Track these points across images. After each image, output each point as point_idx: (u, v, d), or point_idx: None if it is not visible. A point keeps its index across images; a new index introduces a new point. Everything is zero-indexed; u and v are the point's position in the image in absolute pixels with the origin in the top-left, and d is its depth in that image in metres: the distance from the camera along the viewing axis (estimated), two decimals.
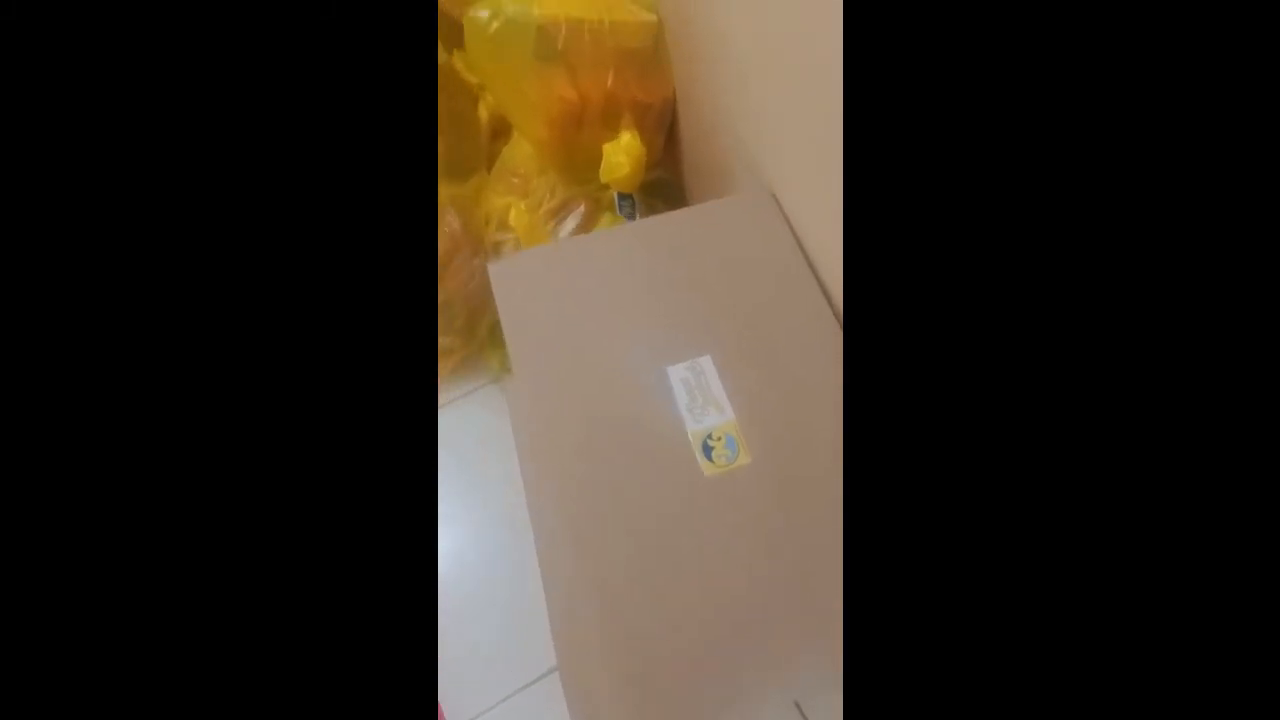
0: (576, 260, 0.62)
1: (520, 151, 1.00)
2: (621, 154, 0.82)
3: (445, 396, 1.10)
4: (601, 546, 0.51)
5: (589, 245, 0.65)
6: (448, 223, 0.93)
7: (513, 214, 0.87)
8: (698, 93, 0.88)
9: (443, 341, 1.00)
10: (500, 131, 1.05)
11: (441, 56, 0.97)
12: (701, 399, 0.54)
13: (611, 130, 0.89)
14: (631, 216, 0.96)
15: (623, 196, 0.95)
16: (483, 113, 1.02)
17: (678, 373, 0.55)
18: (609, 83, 0.84)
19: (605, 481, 0.53)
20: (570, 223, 0.93)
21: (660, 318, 0.58)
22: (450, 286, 0.94)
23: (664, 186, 0.97)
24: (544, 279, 0.61)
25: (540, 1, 0.81)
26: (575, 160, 0.93)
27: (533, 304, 0.60)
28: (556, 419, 0.55)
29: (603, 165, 0.84)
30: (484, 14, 0.85)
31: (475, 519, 1.02)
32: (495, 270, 0.62)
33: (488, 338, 1.03)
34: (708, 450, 0.52)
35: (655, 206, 0.99)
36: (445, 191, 0.99)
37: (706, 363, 0.56)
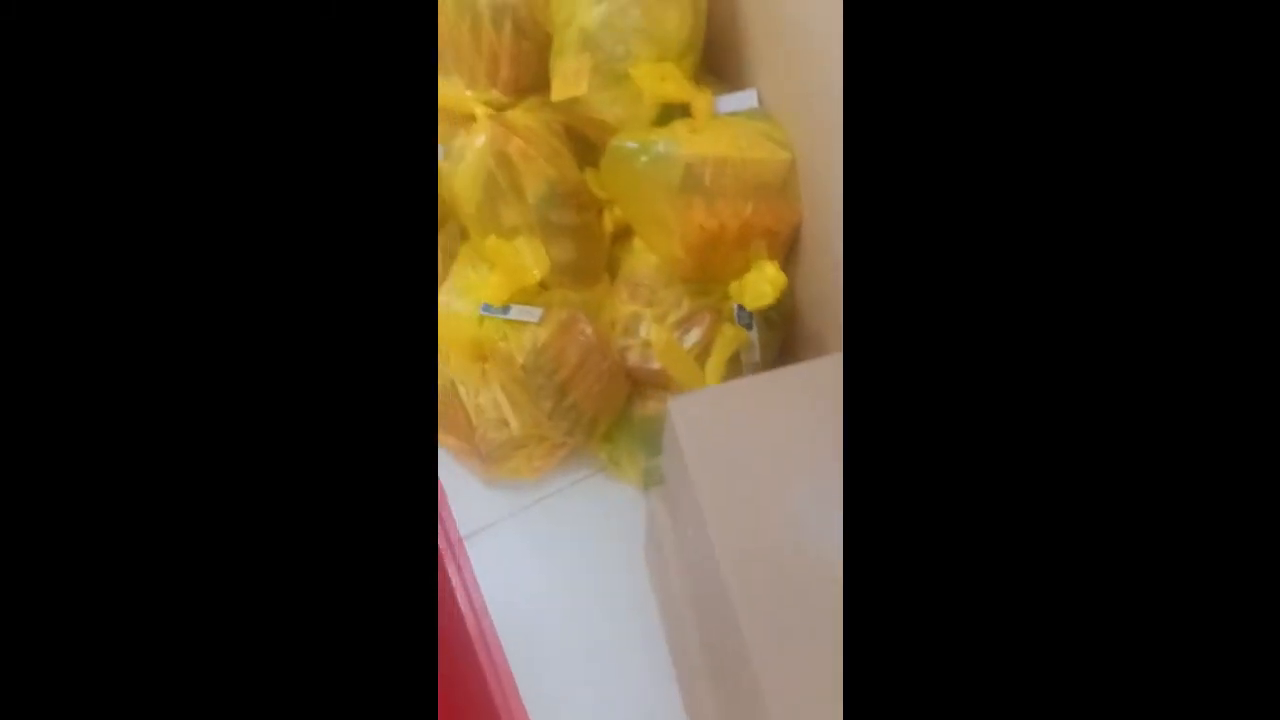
0: (752, 400, 0.67)
1: (645, 262, 1.06)
2: (766, 284, 0.88)
3: (553, 484, 1.15)
4: (791, 697, 0.55)
5: (762, 386, 0.70)
6: (581, 330, 0.99)
7: (654, 332, 0.94)
8: (822, 221, 0.95)
9: (564, 440, 1.05)
10: (619, 235, 1.12)
11: (576, 175, 1.04)
12: None
13: (742, 252, 0.95)
14: (749, 327, 1.02)
15: (742, 308, 1.01)
16: (608, 223, 1.09)
17: None
18: (746, 213, 0.90)
19: (797, 627, 0.57)
20: (695, 333, 0.99)
21: (834, 461, 0.64)
22: (581, 389, 0.99)
23: (780, 299, 1.03)
24: (723, 417, 0.66)
25: (688, 140, 0.89)
26: (703, 275, 0.99)
27: (714, 441, 0.65)
28: (745, 557, 0.60)
29: (749, 292, 0.91)
30: (632, 145, 0.92)
31: (580, 602, 1.06)
32: (675, 406, 0.67)
33: (603, 434, 1.09)
34: None
35: (769, 318, 1.06)
36: (575, 296, 1.06)
37: None
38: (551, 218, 1.01)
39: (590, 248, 1.07)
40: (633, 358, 1.01)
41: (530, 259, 1.00)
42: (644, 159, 0.90)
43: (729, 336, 0.98)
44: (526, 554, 1.10)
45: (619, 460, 1.10)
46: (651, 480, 1.07)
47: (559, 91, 0.95)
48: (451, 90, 1.05)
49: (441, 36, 1.03)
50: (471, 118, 1.03)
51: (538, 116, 1.04)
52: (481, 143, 0.98)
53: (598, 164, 1.08)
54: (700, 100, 0.93)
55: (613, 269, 1.12)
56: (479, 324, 1.02)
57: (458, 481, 1.15)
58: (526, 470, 1.11)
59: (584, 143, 1.07)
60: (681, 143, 0.88)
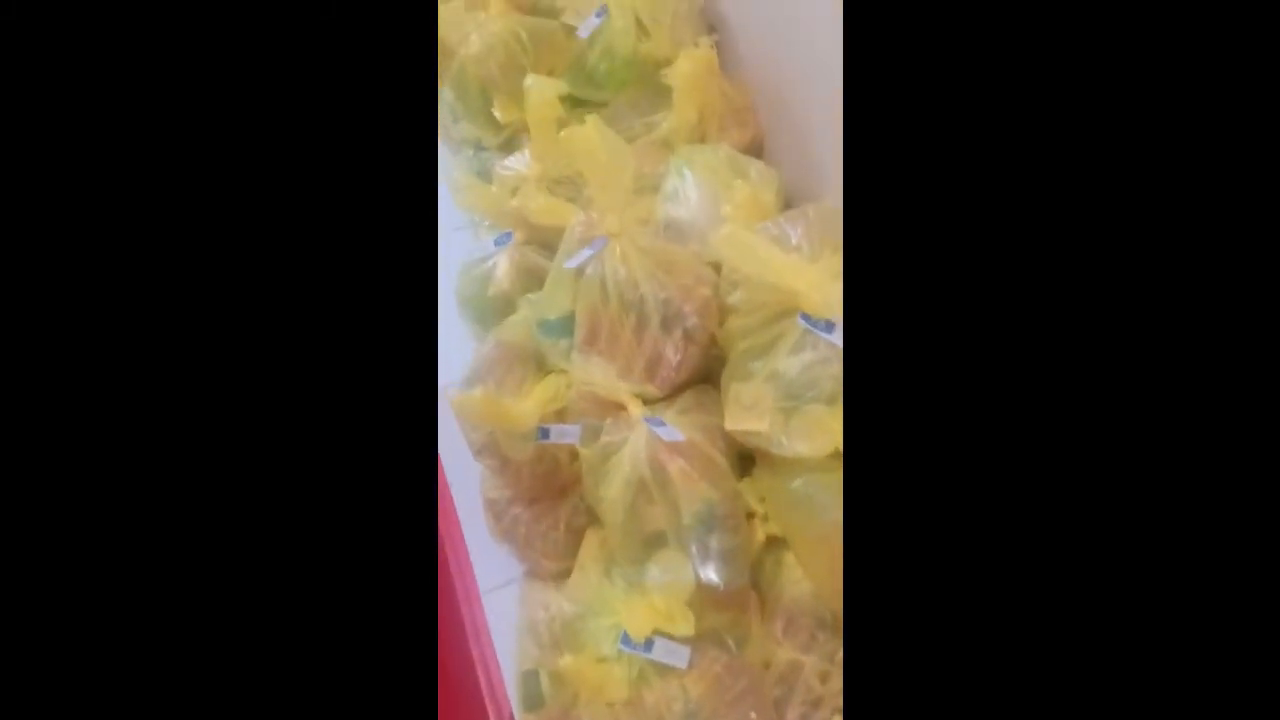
0: None
1: (800, 588, 0.95)
2: None
3: None
4: None
5: None
6: (736, 684, 0.87)
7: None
8: None
9: None
10: (768, 543, 1.01)
11: (733, 488, 0.95)
12: None
13: None
14: None
15: None
16: (759, 533, 0.98)
17: None
18: None
19: None
20: None
21: None
22: None
23: None
24: None
25: None
26: None
27: None
28: None
29: None
30: (818, 486, 0.83)
31: None
32: None
33: None
34: None
35: None
36: (721, 619, 0.94)
37: None
38: (706, 541, 0.91)
39: (741, 567, 0.96)
40: (792, 717, 0.88)
41: (679, 603, 0.87)
42: (830, 499, 0.81)
43: None
44: None
45: None
46: None
47: (734, 421, 0.87)
48: (604, 376, 0.98)
49: (601, 323, 0.98)
50: (621, 407, 0.96)
51: (693, 420, 0.96)
52: (642, 456, 0.90)
53: (751, 471, 0.99)
54: None
55: (757, 579, 1.01)
56: (615, 659, 0.90)
57: None
58: None
59: (745, 455, 0.99)
60: None
